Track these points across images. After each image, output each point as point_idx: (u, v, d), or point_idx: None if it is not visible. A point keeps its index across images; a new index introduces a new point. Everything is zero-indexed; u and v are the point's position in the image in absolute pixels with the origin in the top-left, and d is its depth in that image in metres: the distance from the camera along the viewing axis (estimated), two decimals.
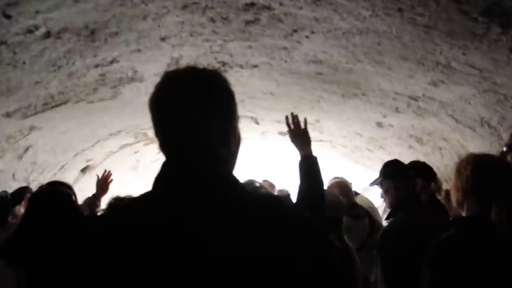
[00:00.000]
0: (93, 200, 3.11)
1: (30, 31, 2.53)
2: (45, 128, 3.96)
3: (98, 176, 3.28)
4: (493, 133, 3.55)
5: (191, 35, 2.96)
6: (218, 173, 0.89)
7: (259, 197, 1.00)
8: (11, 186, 3.86)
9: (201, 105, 0.90)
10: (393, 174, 2.74)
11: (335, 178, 3.52)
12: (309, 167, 1.94)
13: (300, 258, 0.82)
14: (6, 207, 3.02)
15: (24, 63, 2.80)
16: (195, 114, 0.90)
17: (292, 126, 2.06)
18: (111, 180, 3.27)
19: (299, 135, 2.02)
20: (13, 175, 4.22)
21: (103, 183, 3.22)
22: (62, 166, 4.84)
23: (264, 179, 4.30)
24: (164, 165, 0.91)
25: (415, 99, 3.64)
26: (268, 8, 2.56)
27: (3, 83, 2.97)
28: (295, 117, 2.07)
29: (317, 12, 2.52)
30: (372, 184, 3.08)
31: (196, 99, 0.90)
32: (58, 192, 1.98)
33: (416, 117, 3.99)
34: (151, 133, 4.71)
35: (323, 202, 1.90)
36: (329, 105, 4.08)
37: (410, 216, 2.43)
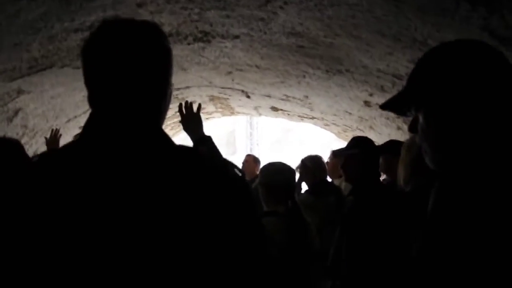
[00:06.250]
0: None
1: None
2: (33, 92, 4.03)
3: (46, 138, 3.33)
4: None
5: (167, 2, 2.96)
6: (144, 126, 0.90)
7: (184, 151, 0.94)
8: None
9: (132, 58, 0.89)
10: (363, 148, 2.73)
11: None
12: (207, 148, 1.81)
13: (219, 207, 0.83)
14: None
15: (0, 24, 2.84)
16: (125, 67, 0.89)
17: (184, 112, 1.94)
18: (60, 135, 3.33)
19: (191, 120, 1.91)
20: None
21: (54, 141, 3.25)
22: None
23: (248, 153, 4.34)
24: (91, 117, 0.91)
25: (399, 77, 3.58)
26: None
27: None
28: (187, 103, 1.96)
29: None
30: (340, 153, 3.04)
31: (128, 51, 0.89)
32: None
33: None
34: None
35: None
36: (315, 80, 4.05)
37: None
